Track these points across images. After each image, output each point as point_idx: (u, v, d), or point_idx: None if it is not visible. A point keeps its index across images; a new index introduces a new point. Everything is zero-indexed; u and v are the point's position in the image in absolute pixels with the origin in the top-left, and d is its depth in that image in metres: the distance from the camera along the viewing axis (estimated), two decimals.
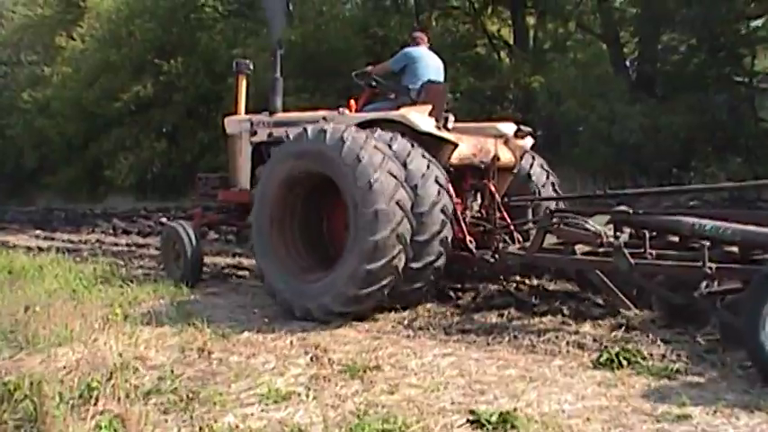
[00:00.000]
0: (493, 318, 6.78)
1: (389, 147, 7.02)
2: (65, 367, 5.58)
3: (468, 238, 7.37)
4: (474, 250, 7.31)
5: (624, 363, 5.11)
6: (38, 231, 20.22)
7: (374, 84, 9.02)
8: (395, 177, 6.75)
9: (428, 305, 7.44)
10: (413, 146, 7.15)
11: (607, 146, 18.35)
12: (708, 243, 5.49)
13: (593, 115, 18.83)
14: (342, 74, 24.72)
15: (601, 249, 6.35)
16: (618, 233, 6.45)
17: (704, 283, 5.75)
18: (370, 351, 5.83)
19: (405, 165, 6.96)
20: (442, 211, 6.97)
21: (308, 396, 4.74)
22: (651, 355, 5.32)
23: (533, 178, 8.75)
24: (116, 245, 15.69)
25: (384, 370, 5.29)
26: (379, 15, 25.42)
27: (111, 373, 4.95)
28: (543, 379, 4.94)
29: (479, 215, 7.87)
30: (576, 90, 19.67)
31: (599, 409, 4.33)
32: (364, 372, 5.21)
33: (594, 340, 5.84)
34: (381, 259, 6.60)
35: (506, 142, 8.38)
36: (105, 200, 30.65)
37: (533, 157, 8.89)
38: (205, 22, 28.76)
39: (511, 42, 25.00)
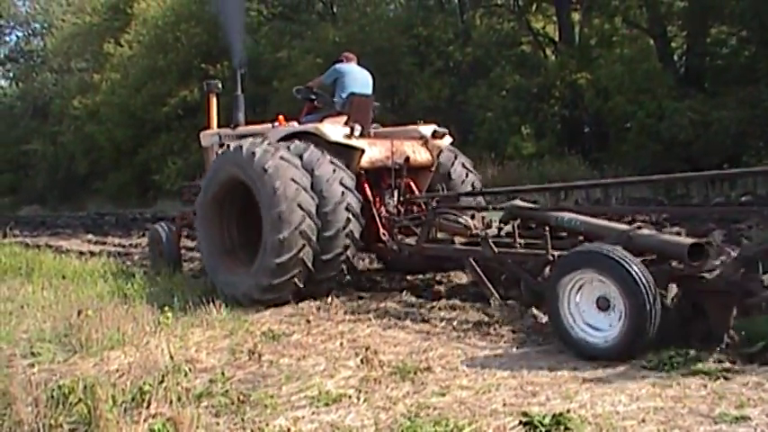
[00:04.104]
0: (543, 317, 6.69)
1: (301, 156, 8.09)
2: (117, 370, 5.65)
3: (381, 231, 8.50)
4: (386, 242, 8.45)
5: (678, 365, 5.01)
6: (89, 236, 20.54)
7: (312, 98, 9.88)
8: (296, 183, 7.77)
9: (477, 305, 7.39)
10: (322, 153, 8.16)
11: (656, 142, 18.14)
12: (552, 232, 6.58)
13: (641, 111, 18.65)
14: (387, 74, 24.77)
15: (487, 239, 7.19)
16: (502, 225, 7.53)
17: (548, 269, 6.53)
18: (420, 352, 5.80)
19: (312, 171, 7.98)
20: (347, 208, 7.96)
21: (358, 398, 4.73)
22: (707, 354, 5.19)
23: (453, 177, 9.52)
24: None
25: (435, 371, 5.26)
26: (423, 15, 25.40)
27: (163, 377, 4.98)
28: (596, 380, 4.87)
29: (396, 210, 8.73)
30: (623, 86, 19.49)
31: (654, 410, 4.24)
32: (415, 373, 5.18)
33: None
34: (287, 254, 7.65)
35: (425, 143, 9.29)
36: (154, 204, 31.02)
37: (456, 156, 9.70)
38: (249, 25, 28.94)
39: (556, 39, 24.86)
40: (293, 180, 7.78)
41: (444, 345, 6.04)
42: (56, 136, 40.37)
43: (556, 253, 6.32)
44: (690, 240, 5.74)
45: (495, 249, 7.02)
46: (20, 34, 53.53)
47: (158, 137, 31.53)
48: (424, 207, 8.72)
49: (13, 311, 8.09)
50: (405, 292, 8.22)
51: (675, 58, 22.11)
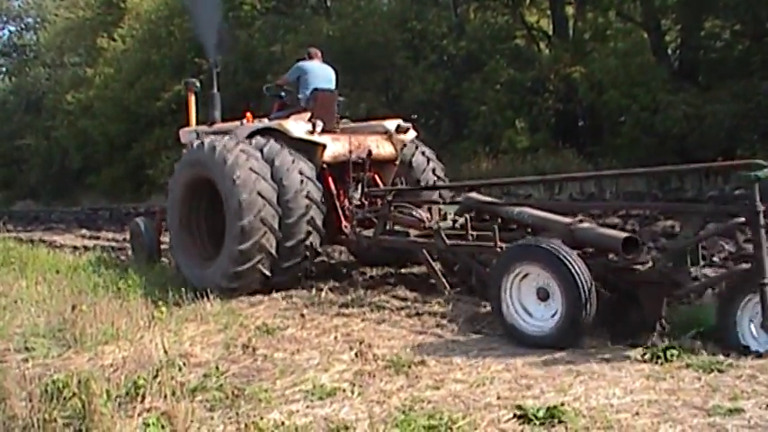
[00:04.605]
0: None
1: (261, 150, 8.47)
2: (112, 365, 5.66)
3: (344, 223, 8.85)
4: (348, 235, 8.77)
5: (672, 357, 5.02)
6: (83, 231, 20.51)
7: (282, 95, 10.36)
8: (255, 172, 8.13)
9: (471, 299, 7.39)
10: (281, 146, 8.51)
11: (650, 136, 18.15)
12: (504, 225, 7.08)
13: (635, 105, 18.64)
14: (381, 68, 24.81)
15: (439, 232, 7.49)
16: (456, 217, 7.82)
17: (495, 260, 6.56)
18: (414, 346, 5.81)
19: (272, 162, 8.34)
20: (307, 196, 8.30)
21: (353, 392, 4.73)
22: (701, 347, 5.20)
23: (414, 166, 9.83)
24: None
25: (429, 365, 5.26)
26: (417, 9, 25.35)
27: (158, 371, 4.98)
28: (590, 373, 4.87)
29: (360, 203, 8.99)
30: (617, 80, 19.48)
31: (648, 402, 4.25)
32: (409, 367, 5.18)
33: (642, 333, 5.73)
34: (249, 240, 8.00)
35: (389, 137, 9.60)
36: (148, 199, 30.93)
37: (416, 146, 9.97)
38: (244, 19, 28.86)
39: (550, 33, 24.82)
40: (252, 170, 8.14)
41: (438, 338, 6.06)
42: (49, 130, 40.26)
43: (503, 245, 6.57)
44: (623, 234, 6.04)
45: (447, 241, 7.33)
46: (13, 28, 53.46)
47: (152, 131, 31.45)
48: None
49: (7, 306, 8.08)
50: (399, 286, 8.24)
51: (669, 51, 22.09)
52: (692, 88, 18.80)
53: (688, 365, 4.85)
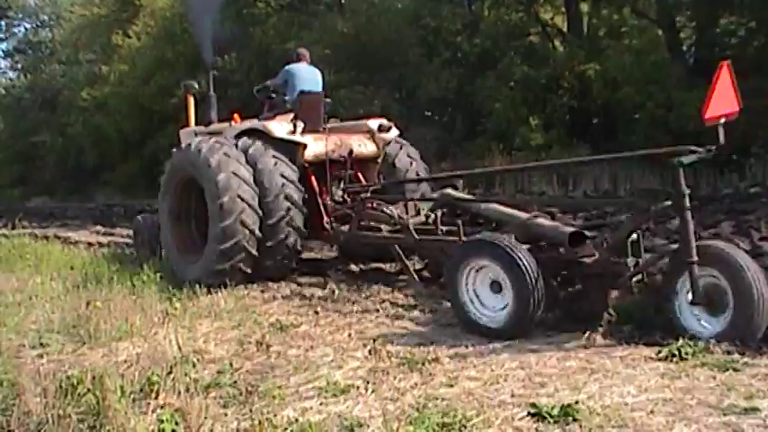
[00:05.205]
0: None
1: (246, 151, 8.84)
2: (126, 361, 5.67)
3: (326, 218, 9.14)
4: (329, 229, 9.11)
5: (687, 356, 4.99)
6: (98, 227, 20.57)
7: (272, 96, 10.57)
8: (237, 176, 8.49)
9: None
10: (265, 149, 8.89)
11: (665, 134, 18.00)
12: (474, 220, 7.55)
13: (649, 102, 18.53)
14: (395, 65, 24.76)
15: (408, 227, 7.94)
16: (430, 213, 8.24)
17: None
18: (428, 343, 5.81)
19: (255, 165, 8.71)
20: (287, 198, 8.66)
21: (366, 389, 4.73)
22: (716, 344, 5.16)
23: (398, 166, 10.18)
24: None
25: (443, 362, 5.26)
26: (431, 6, 25.25)
27: (171, 367, 5.00)
28: (605, 371, 4.86)
29: (342, 200, 9.37)
30: (631, 77, 19.38)
31: (663, 401, 4.23)
32: (423, 364, 5.18)
33: (656, 331, 5.70)
34: (229, 241, 8.37)
35: (372, 136, 9.99)
36: None
37: (401, 146, 10.38)
38: (258, 16, 28.85)
39: (565, 30, 24.70)
40: (234, 173, 8.50)
41: (452, 336, 6.06)
42: (64, 127, 40.36)
43: (466, 239, 6.82)
44: (570, 228, 6.36)
45: (416, 236, 7.80)
46: (28, 26, 53.61)
47: (166, 128, 31.38)
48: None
49: (22, 302, 8.12)
50: (412, 284, 8.22)
51: (684, 48, 21.95)
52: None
53: (703, 364, 4.83)
